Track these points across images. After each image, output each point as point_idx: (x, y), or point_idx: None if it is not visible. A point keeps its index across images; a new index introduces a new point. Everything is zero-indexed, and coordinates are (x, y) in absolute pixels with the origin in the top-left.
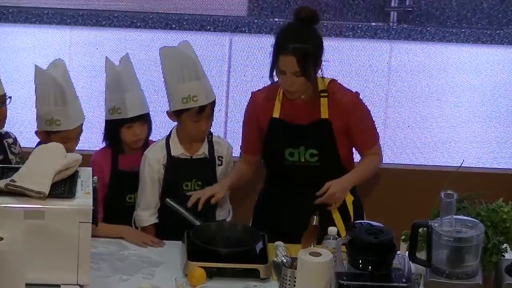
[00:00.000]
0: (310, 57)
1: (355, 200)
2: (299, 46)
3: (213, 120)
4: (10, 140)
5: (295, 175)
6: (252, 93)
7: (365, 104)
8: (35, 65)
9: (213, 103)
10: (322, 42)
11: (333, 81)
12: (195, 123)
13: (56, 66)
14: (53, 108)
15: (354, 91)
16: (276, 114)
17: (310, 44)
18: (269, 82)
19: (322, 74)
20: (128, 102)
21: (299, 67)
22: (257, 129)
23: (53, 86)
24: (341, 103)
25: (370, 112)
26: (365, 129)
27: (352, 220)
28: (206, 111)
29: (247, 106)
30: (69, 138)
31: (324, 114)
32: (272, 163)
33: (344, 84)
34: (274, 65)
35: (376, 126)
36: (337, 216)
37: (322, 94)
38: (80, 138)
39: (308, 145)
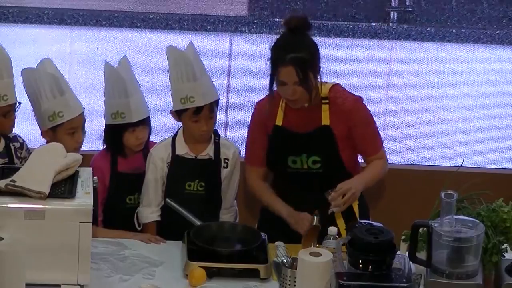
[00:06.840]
0: (308, 65)
1: (361, 201)
2: (296, 55)
3: (216, 120)
4: (17, 144)
5: (298, 181)
6: (256, 103)
7: (368, 108)
8: (23, 68)
9: (214, 104)
10: (317, 48)
11: (334, 86)
12: (195, 123)
13: (45, 63)
14: (52, 102)
15: (356, 95)
16: (279, 122)
17: (306, 52)
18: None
19: (321, 79)
20: (133, 107)
21: (299, 77)
22: (266, 136)
23: (47, 80)
24: (342, 108)
25: (372, 116)
26: (368, 134)
27: (358, 219)
28: (204, 112)
29: (252, 117)
30: (75, 128)
31: (326, 120)
32: (275, 170)
33: (344, 85)
34: (274, 77)
35: (378, 130)
36: (338, 215)
37: (323, 101)
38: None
39: (310, 152)
